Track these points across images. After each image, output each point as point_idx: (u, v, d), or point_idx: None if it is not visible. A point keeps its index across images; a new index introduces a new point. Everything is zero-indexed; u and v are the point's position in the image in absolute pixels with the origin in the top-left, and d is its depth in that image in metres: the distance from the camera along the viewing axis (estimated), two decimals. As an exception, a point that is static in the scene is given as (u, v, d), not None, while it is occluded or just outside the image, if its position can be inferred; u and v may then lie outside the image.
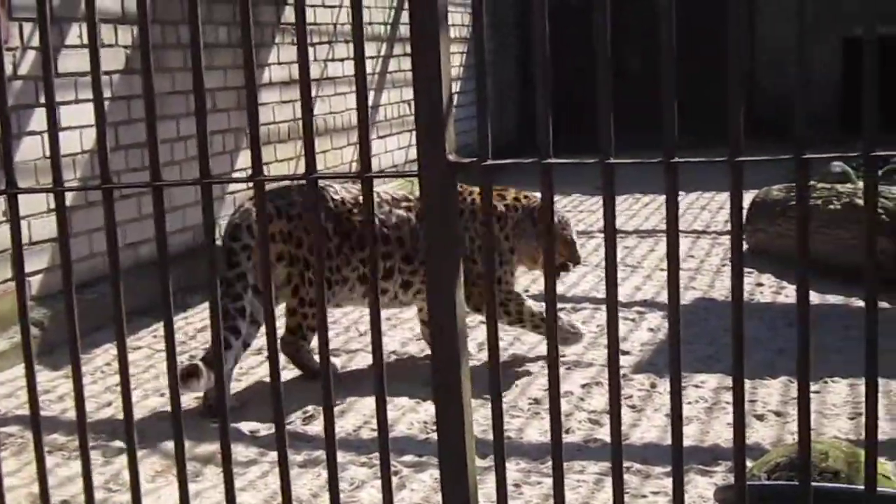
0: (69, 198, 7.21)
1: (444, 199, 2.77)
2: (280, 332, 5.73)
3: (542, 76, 2.65)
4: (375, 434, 5.04)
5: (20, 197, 3.16)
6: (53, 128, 3.05)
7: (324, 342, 2.90)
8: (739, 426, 2.71)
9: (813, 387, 5.56)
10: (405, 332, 6.88)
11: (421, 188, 2.79)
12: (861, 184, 9.08)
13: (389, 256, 5.98)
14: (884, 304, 7.10)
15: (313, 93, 10.35)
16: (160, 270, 3.07)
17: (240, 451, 4.98)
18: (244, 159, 9.15)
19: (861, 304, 6.52)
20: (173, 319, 3.03)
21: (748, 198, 9.76)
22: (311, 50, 10.18)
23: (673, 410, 2.67)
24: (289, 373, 6.15)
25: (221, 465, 3.00)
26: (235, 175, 8.89)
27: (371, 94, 11.73)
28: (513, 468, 4.68)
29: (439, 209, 2.77)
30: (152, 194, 3.03)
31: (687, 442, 4.83)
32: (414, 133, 2.78)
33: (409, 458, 4.83)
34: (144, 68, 2.97)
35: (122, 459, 4.76)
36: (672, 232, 2.64)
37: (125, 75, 7.68)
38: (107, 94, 7.52)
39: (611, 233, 2.70)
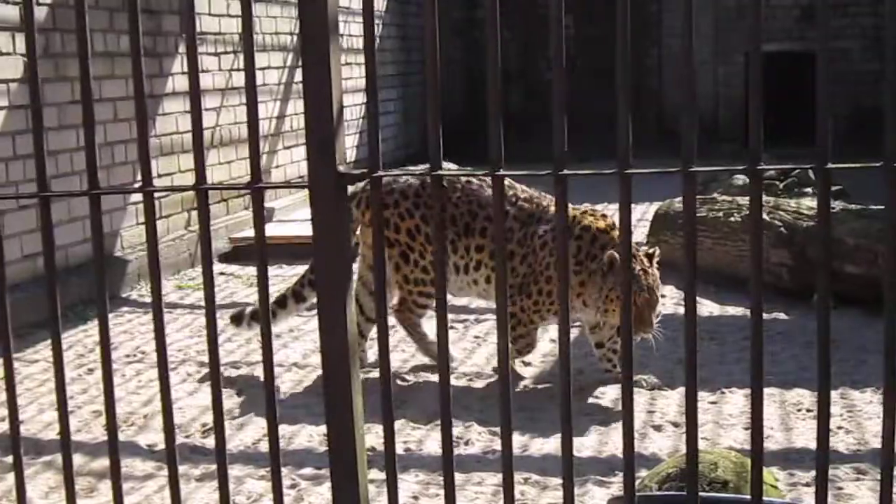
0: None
1: (334, 211, 2.75)
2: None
3: (431, 89, 2.65)
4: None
5: None
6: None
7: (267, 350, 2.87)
8: (629, 438, 2.72)
9: (711, 397, 5.63)
10: (307, 344, 6.84)
11: (311, 199, 2.77)
12: (763, 196, 9.23)
13: (480, 249, 6.10)
14: (781, 315, 7.21)
15: (217, 103, 10.29)
16: (48, 283, 3.02)
17: (137, 466, 4.92)
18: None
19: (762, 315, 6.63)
20: (61, 333, 2.98)
21: (653, 209, 9.86)
22: (215, 60, 10.12)
23: (563, 422, 2.68)
24: (188, 385, 6.10)
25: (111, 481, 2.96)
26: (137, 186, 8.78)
27: (277, 105, 11.67)
28: (412, 480, 4.67)
29: (329, 221, 2.76)
30: (39, 205, 2.97)
31: (586, 453, 4.88)
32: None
33: (307, 471, 4.80)
34: (31, 77, 2.91)
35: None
36: (562, 244, 2.65)
37: (23, 84, 7.56)
38: (4, 102, 7.40)
39: (500, 241, 2.70)
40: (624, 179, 2.58)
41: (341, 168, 2.74)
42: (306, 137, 2.74)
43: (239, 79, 10.64)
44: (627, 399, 2.69)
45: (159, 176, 9.17)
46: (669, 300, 7.85)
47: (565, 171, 2.60)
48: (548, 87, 14.97)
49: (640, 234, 10.06)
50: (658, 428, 5.23)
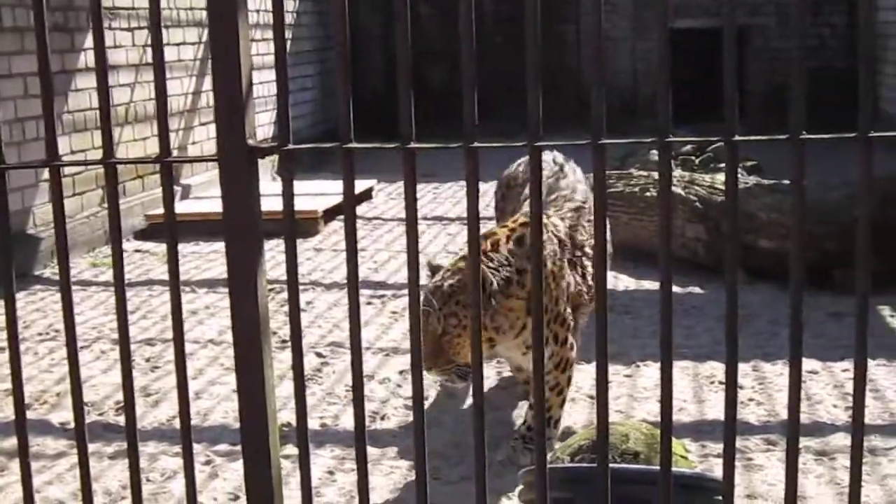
0: None
1: (244, 184, 2.73)
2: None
3: (341, 67, 2.64)
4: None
5: None
6: None
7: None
8: (539, 410, 2.74)
9: (625, 370, 5.68)
10: (224, 320, 6.79)
11: (220, 173, 2.74)
12: (679, 171, 9.31)
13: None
14: (696, 289, 7.28)
15: (132, 78, 10.17)
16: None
17: (49, 444, 4.87)
18: (63, 145, 8.92)
19: (677, 289, 6.72)
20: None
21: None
22: (129, 35, 10.00)
23: (475, 396, 2.68)
24: (102, 362, 6.04)
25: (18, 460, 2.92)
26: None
27: (193, 81, 11.55)
28: (327, 455, 4.67)
29: (239, 194, 2.73)
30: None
31: (500, 427, 4.90)
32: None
33: (222, 447, 4.78)
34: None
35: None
36: (472, 217, 2.65)
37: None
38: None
39: (412, 218, 2.69)
40: (534, 152, 2.59)
41: (251, 141, 2.71)
42: (215, 111, 2.71)
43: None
44: (538, 374, 2.71)
45: (73, 152, 9.04)
46: (586, 275, 7.90)
47: (476, 144, 2.60)
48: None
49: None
50: (573, 401, 5.26)
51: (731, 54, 2.52)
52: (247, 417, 2.89)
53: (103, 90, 2.79)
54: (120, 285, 2.86)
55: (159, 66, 2.75)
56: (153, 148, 10.47)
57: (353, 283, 2.71)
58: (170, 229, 2.81)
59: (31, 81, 8.54)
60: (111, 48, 9.65)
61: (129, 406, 2.91)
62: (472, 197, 2.64)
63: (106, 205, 9.49)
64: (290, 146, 2.69)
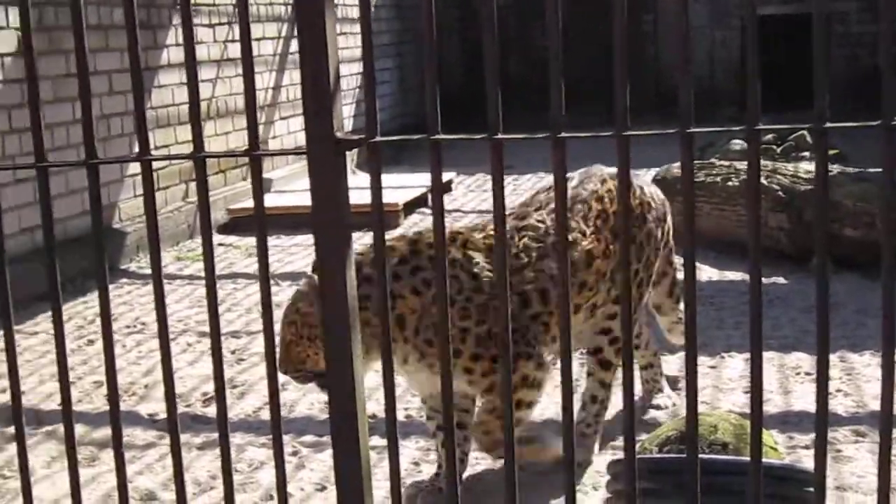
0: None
1: (332, 177, 2.75)
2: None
3: (428, 60, 2.64)
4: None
5: None
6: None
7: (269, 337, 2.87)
8: (629, 401, 2.73)
9: (710, 361, 5.64)
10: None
11: (309, 166, 2.77)
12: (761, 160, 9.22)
13: None
14: (780, 280, 7.21)
15: (213, 74, 10.26)
16: (47, 254, 3.02)
17: (138, 435, 4.94)
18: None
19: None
20: (61, 305, 2.98)
21: (650, 176, 9.85)
22: (210, 31, 10.09)
23: (564, 385, 2.68)
24: (189, 355, 6.11)
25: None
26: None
27: (272, 76, 11.64)
28: (412, 446, 4.69)
29: (327, 187, 2.75)
30: (37, 176, 2.96)
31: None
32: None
33: (308, 438, 4.81)
34: (26, 49, 2.90)
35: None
36: (561, 209, 2.65)
37: (18, 58, 7.53)
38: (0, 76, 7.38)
39: (499, 211, 2.70)
40: (622, 141, 2.58)
41: (339, 134, 2.73)
42: (303, 104, 2.73)
43: (234, 50, 10.61)
44: (627, 361, 2.70)
45: (156, 148, 9.15)
46: (668, 266, 7.86)
47: (563, 134, 2.60)
48: (545, 54, 14.87)
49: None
50: (658, 392, 5.24)
51: (820, 41, 2.49)
52: (336, 409, 2.92)
53: (193, 85, 2.82)
54: (211, 277, 2.89)
55: (248, 60, 2.77)
56: (234, 143, 10.56)
57: (442, 275, 2.72)
58: (259, 221, 2.83)
59: (115, 78, 8.66)
60: (178, 46, 9.77)
61: (220, 397, 2.94)
62: (560, 187, 2.64)
63: (189, 200, 9.62)
64: (378, 138, 2.70)
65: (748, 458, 2.63)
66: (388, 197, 9.90)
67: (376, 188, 2.77)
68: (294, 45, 11.92)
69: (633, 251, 4.51)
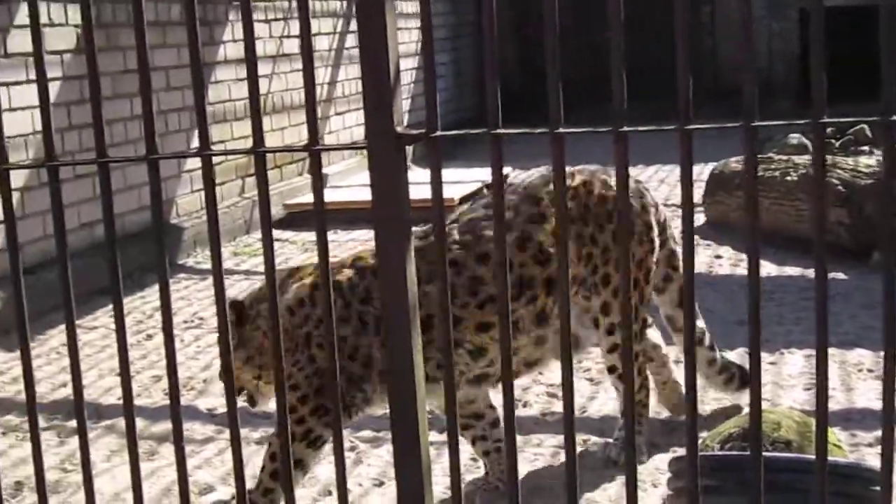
0: (21, 179, 7.17)
1: (392, 172, 2.74)
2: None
3: (487, 54, 2.63)
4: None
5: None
6: (-4, 105, 3.01)
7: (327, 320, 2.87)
8: (692, 398, 2.70)
9: (770, 358, 5.59)
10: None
11: (370, 161, 2.76)
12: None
13: None
14: (839, 275, 7.13)
15: (269, 69, 10.29)
16: (108, 249, 3.03)
17: (196, 429, 4.96)
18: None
19: (818, 274, 6.56)
20: (122, 299, 2.99)
21: (708, 170, 9.78)
22: (266, 27, 10.12)
23: (626, 380, 2.66)
24: (246, 351, 6.12)
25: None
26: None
27: (328, 71, 11.66)
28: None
29: (387, 181, 2.74)
30: (98, 171, 2.98)
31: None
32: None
33: (366, 433, 4.81)
34: (87, 41, 2.91)
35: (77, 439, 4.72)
36: (623, 204, 2.63)
37: (77, 55, 7.59)
38: (58, 73, 7.44)
39: (562, 207, 2.68)
40: (684, 136, 2.55)
41: (399, 129, 2.72)
42: (364, 98, 2.72)
43: (289, 46, 10.64)
44: (690, 359, 2.67)
45: (213, 143, 9.14)
46: (726, 261, 7.81)
47: (625, 128, 2.57)
48: (603, 46, 14.84)
49: (696, 194, 9.97)
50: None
51: (890, 32, 2.45)
52: (396, 404, 2.91)
53: (253, 81, 2.82)
54: (271, 272, 2.89)
55: (308, 56, 2.77)
56: (290, 138, 10.59)
57: (502, 265, 2.70)
58: (319, 216, 2.83)
59: (173, 74, 8.70)
60: (235, 41, 9.79)
61: (280, 393, 2.95)
62: (622, 182, 2.62)
63: (246, 195, 9.66)
64: (439, 133, 2.69)
65: (812, 456, 2.60)
66: (444, 192, 9.89)
67: (436, 183, 2.76)
68: (349, 41, 11.94)
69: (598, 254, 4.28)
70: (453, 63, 15.35)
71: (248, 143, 8.88)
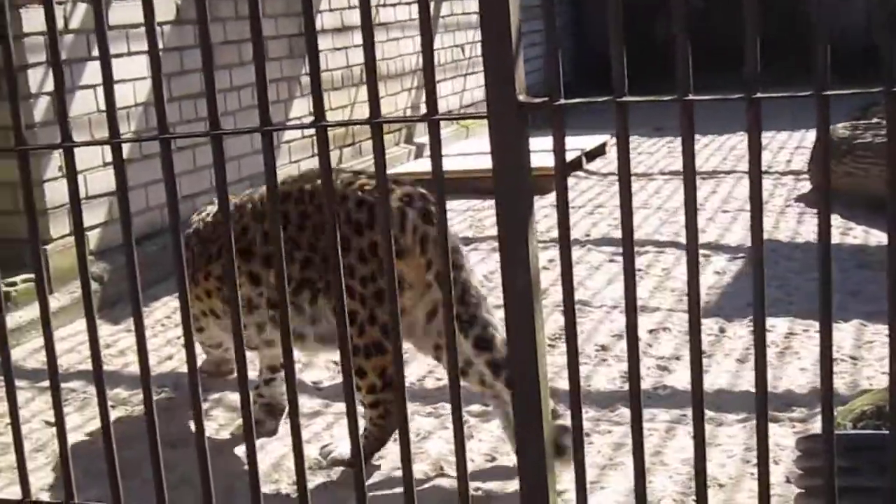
0: (123, 151, 7.16)
1: (514, 142, 2.66)
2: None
3: (613, 11, 2.53)
4: (440, 383, 4.99)
5: (76, 151, 3.10)
6: (109, 80, 2.98)
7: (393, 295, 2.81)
8: (827, 372, 2.60)
9: (886, 330, 5.41)
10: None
11: (490, 130, 2.68)
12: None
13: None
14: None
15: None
16: (223, 219, 2.99)
17: (303, 403, 4.91)
18: (298, 108, 9.05)
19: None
20: (236, 271, 2.94)
21: (812, 137, 9.57)
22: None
23: (757, 358, 2.56)
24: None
25: (288, 418, 2.94)
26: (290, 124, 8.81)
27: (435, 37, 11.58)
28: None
29: (509, 151, 2.66)
30: (211, 143, 2.94)
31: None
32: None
33: (475, 407, 4.74)
34: (200, 17, 2.87)
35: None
36: (755, 170, 2.53)
37: (176, 26, 7.59)
38: (159, 45, 7.42)
39: (690, 175, 2.58)
40: (822, 101, 2.44)
41: (521, 97, 2.64)
42: (484, 66, 2.64)
43: (386, 14, 10.57)
44: (826, 329, 2.57)
45: (311, 113, 9.14)
46: (835, 229, 7.61)
47: (759, 94, 2.47)
48: (699, 15, 14.61)
49: (745, 163, 9.83)
50: (833, 362, 5.05)
51: None
52: (518, 382, 2.84)
53: (369, 50, 2.76)
54: (387, 241, 2.83)
55: (426, 22, 2.70)
56: (387, 107, 10.53)
57: (628, 240, 2.62)
58: (438, 188, 2.77)
59: (271, 45, 8.67)
60: (340, 10, 9.74)
61: (398, 369, 2.89)
62: (754, 150, 2.52)
63: (342, 167, 9.61)
64: (562, 101, 2.61)
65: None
66: (543, 160, 9.78)
67: (560, 151, 2.68)
68: (444, 9, 11.84)
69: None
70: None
71: (346, 113, 8.85)
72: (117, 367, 5.58)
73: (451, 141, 11.21)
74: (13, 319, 6.11)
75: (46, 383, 3.30)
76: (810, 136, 10.78)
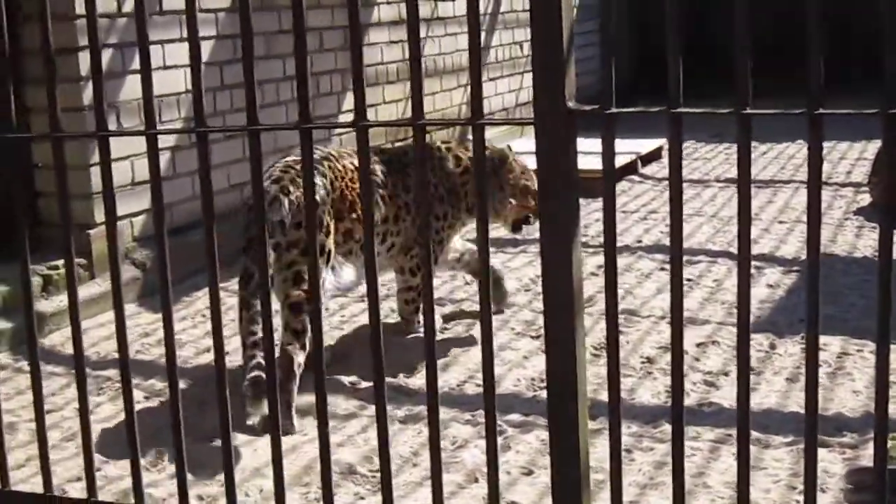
0: (172, 139, 7.14)
1: (562, 149, 2.55)
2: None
3: (671, 32, 2.42)
4: (480, 390, 4.87)
5: (125, 137, 3.04)
6: (147, 70, 2.91)
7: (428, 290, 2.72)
8: (882, 396, 2.48)
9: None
10: (513, 283, 6.64)
11: (536, 137, 2.57)
12: None
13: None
14: None
15: (423, 34, 10.13)
16: (256, 215, 2.92)
17: (339, 404, 4.82)
18: (351, 100, 8.95)
19: None
20: (267, 265, 2.86)
21: (873, 148, 9.36)
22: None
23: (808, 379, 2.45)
24: (392, 320, 5.98)
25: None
26: (341, 118, 8.74)
27: (482, 36, 11.46)
28: (624, 431, 4.45)
29: (557, 159, 2.56)
30: (248, 139, 2.86)
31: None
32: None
33: (514, 416, 4.63)
34: (242, 8, 2.79)
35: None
36: (814, 185, 2.41)
37: (231, 13, 7.51)
38: (212, 32, 7.37)
39: (745, 189, 2.47)
40: (889, 121, 2.32)
41: (570, 104, 2.53)
42: (533, 70, 2.54)
43: (444, 9, 10.47)
44: (882, 350, 2.45)
45: (342, 112, 9.06)
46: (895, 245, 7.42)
47: (820, 111, 2.35)
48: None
49: (802, 174, 9.63)
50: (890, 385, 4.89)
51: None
52: (555, 397, 2.74)
53: (414, 45, 2.66)
54: (426, 243, 2.74)
55: (474, 22, 2.60)
56: (439, 104, 10.43)
57: (676, 252, 2.50)
58: (480, 188, 2.67)
59: (326, 36, 8.60)
60: (398, 2, 9.63)
61: (431, 372, 2.81)
62: (814, 165, 2.40)
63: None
64: (614, 109, 2.49)
65: None
66: (593, 163, 9.64)
67: (609, 160, 2.58)
68: (504, 5, 11.72)
69: None
70: (600, 32, 14.96)
71: (401, 107, 8.73)
72: (154, 356, 5.50)
73: (504, 139, 11.09)
74: (53, 304, 6.08)
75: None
76: (871, 147, 10.55)
